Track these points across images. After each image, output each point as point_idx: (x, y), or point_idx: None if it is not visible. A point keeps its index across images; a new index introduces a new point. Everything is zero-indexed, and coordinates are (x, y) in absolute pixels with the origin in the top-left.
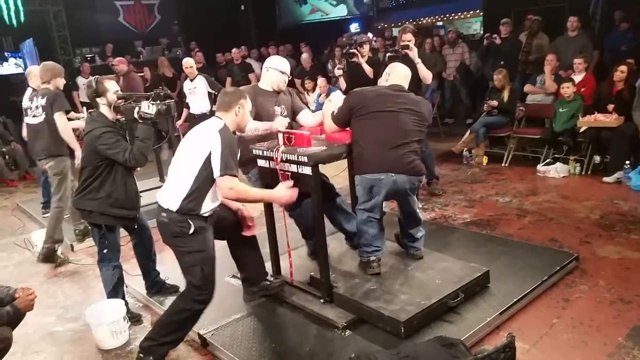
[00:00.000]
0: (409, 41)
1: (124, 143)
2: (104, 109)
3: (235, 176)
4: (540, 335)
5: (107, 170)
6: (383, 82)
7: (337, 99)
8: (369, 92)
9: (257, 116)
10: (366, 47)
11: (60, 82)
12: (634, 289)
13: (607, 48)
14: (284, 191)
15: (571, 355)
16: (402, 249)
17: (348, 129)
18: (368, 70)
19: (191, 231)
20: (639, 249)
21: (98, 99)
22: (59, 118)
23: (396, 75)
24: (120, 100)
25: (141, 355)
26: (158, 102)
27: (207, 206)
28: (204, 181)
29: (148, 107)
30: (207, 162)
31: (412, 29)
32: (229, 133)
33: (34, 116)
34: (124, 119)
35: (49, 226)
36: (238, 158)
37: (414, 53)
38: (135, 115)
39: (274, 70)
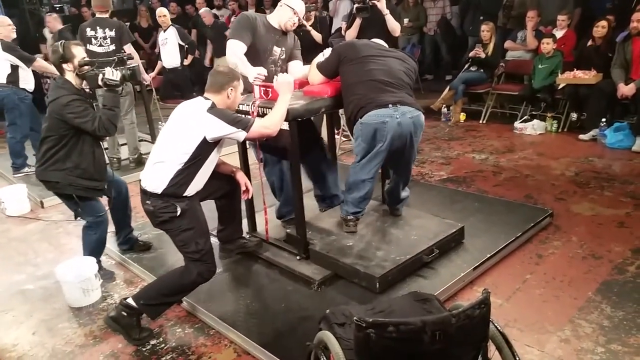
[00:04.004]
0: None
1: (92, 111)
2: (70, 76)
3: (252, 122)
4: (514, 290)
5: (73, 139)
6: None
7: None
8: (357, 41)
9: (252, 47)
10: (312, 13)
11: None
12: (605, 244)
13: (592, 4)
14: (285, 80)
15: (543, 309)
16: (380, 203)
17: (331, 82)
18: (317, 36)
19: (178, 213)
20: (611, 206)
21: (64, 65)
22: (129, 49)
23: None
24: (85, 67)
25: (129, 309)
26: (122, 67)
27: (193, 189)
28: (194, 165)
29: (112, 73)
30: (202, 147)
31: None
32: (217, 108)
33: (100, 45)
34: (88, 86)
35: (129, 142)
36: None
37: (382, 4)
38: (100, 83)
39: (286, 7)
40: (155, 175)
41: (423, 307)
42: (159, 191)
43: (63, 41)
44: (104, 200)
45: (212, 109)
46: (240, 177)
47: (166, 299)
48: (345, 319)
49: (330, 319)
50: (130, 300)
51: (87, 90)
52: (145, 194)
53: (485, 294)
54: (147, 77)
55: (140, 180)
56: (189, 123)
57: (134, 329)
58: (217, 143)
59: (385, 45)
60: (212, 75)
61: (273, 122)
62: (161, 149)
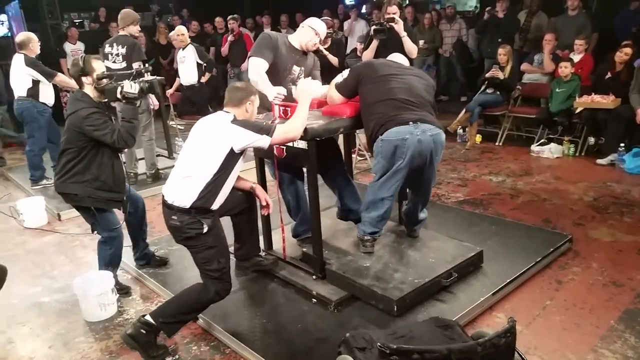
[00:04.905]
0: (394, 14)
1: (111, 124)
2: (89, 89)
3: (274, 127)
4: (533, 316)
5: (92, 152)
6: None
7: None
8: (375, 60)
9: (272, 65)
10: (328, 39)
11: (134, 29)
12: (626, 272)
13: (616, 28)
14: (306, 86)
15: (564, 337)
16: (397, 224)
17: (350, 102)
18: (333, 60)
19: (205, 231)
20: (631, 232)
21: (83, 78)
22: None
23: (396, 59)
24: (103, 80)
25: (148, 327)
26: (140, 80)
27: (219, 202)
28: (221, 177)
29: (130, 87)
30: (229, 157)
31: (397, 2)
32: (240, 119)
33: (114, 62)
34: (106, 99)
35: (146, 157)
36: None
37: (399, 26)
38: (119, 96)
39: (309, 28)
40: (183, 190)
41: (445, 333)
42: (188, 205)
43: (83, 55)
44: (120, 215)
45: (236, 120)
46: (260, 192)
47: (183, 317)
48: (366, 343)
49: (350, 343)
50: (148, 318)
51: (106, 103)
52: (171, 209)
53: (512, 323)
54: (156, 103)
55: (163, 195)
56: (214, 136)
57: (152, 346)
58: (242, 153)
59: (405, 60)
60: (230, 91)
61: (294, 127)
62: (187, 164)
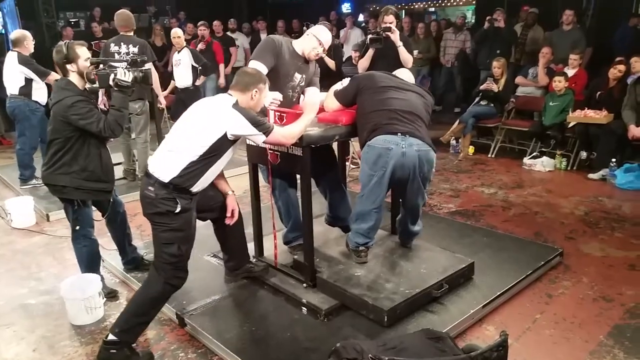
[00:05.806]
0: (390, 23)
1: (97, 112)
2: (74, 77)
3: (272, 128)
4: (523, 330)
5: (79, 142)
6: None
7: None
8: (377, 72)
9: (274, 71)
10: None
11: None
12: (616, 287)
13: (615, 44)
14: (312, 100)
15: (553, 351)
16: (389, 234)
17: (346, 110)
18: (331, 63)
19: (177, 210)
20: (622, 247)
21: (68, 66)
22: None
23: (401, 75)
24: (92, 67)
25: (114, 345)
26: (135, 69)
27: (200, 185)
28: (208, 160)
29: (124, 74)
30: (221, 142)
31: (394, 11)
32: (242, 107)
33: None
34: (97, 86)
35: (140, 160)
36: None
37: (395, 36)
38: (111, 83)
39: (313, 37)
40: (166, 163)
41: (436, 345)
42: (167, 179)
43: (67, 41)
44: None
45: (237, 106)
46: (230, 201)
47: (141, 318)
48: (357, 354)
49: (341, 353)
50: (110, 337)
51: (92, 87)
52: (150, 177)
53: (504, 337)
54: (163, 102)
55: (147, 165)
56: (211, 116)
57: (132, 358)
58: (234, 141)
59: (411, 77)
60: (239, 74)
61: (291, 134)
62: (177, 139)
